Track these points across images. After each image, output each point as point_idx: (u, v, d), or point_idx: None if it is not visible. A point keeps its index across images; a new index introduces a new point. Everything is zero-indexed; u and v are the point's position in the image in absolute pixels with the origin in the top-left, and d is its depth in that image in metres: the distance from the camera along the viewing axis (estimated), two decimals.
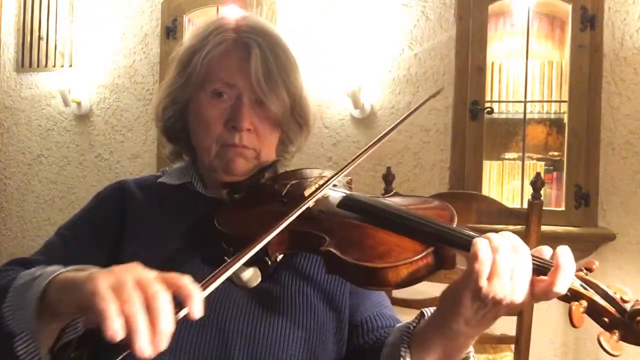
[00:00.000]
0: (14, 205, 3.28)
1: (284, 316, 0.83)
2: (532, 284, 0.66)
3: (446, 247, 0.71)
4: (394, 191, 0.92)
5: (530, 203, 1.74)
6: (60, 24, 3.16)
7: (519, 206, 2.44)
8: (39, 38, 3.20)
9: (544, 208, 1.77)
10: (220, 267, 0.65)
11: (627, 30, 2.38)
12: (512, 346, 1.81)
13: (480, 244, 0.66)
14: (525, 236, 1.71)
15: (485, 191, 2.50)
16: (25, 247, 3.24)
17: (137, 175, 1.07)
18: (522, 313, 1.71)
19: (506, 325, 1.74)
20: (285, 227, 0.77)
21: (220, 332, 0.79)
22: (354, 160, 0.87)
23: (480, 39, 2.47)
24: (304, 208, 0.78)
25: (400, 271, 0.68)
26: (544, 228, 1.77)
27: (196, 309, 0.56)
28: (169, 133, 1.02)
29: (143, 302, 0.54)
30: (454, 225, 0.74)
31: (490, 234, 0.68)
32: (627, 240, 2.36)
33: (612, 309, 0.64)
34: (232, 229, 0.84)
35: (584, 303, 0.65)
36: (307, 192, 0.85)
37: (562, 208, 2.37)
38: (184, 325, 0.78)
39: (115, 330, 0.52)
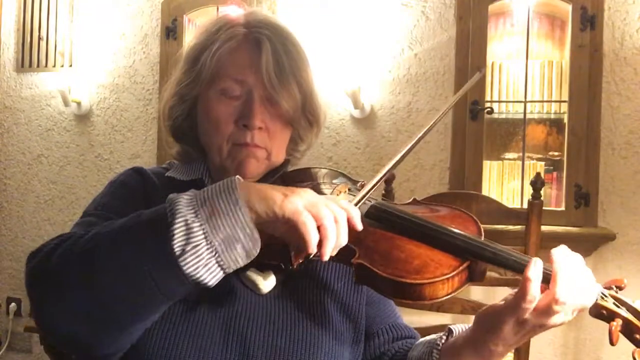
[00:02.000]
0: (14, 205, 3.28)
1: (302, 327, 0.82)
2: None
3: (480, 262, 0.70)
4: (412, 197, 0.91)
5: (530, 203, 1.74)
6: (60, 24, 3.16)
7: (519, 206, 2.44)
8: (39, 38, 3.20)
9: (544, 208, 1.78)
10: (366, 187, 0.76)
11: (627, 30, 2.38)
12: None
13: (532, 285, 0.65)
14: (525, 236, 1.71)
15: (485, 191, 2.49)
16: (25, 247, 3.24)
17: (149, 167, 1.04)
18: None
19: None
20: None
21: (242, 343, 0.78)
22: (401, 157, 0.91)
23: (480, 39, 2.47)
24: (379, 178, 0.83)
25: (437, 287, 0.68)
26: (544, 228, 1.77)
27: (359, 225, 0.70)
28: (177, 132, 0.99)
29: (333, 220, 0.65)
30: (483, 239, 0.74)
31: (556, 256, 0.67)
32: (627, 240, 2.36)
33: None
34: None
35: (620, 321, 0.67)
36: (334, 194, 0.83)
37: (562, 208, 2.37)
38: (207, 336, 0.77)
39: (314, 243, 0.64)
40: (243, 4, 2.69)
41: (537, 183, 1.78)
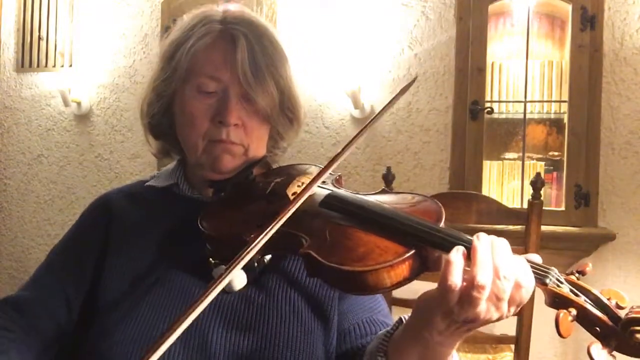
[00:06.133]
0: (14, 205, 3.28)
1: (270, 326, 0.80)
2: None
3: (429, 249, 0.66)
4: (381, 188, 0.88)
5: (530, 203, 1.74)
6: (60, 24, 3.16)
7: (519, 206, 2.44)
8: (39, 38, 3.20)
9: (544, 208, 1.78)
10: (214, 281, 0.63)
11: (627, 30, 2.38)
12: (512, 346, 1.81)
13: (453, 270, 0.60)
14: (525, 236, 1.71)
15: (485, 191, 2.49)
16: (25, 247, 3.24)
17: (140, 175, 1.05)
18: (522, 313, 1.71)
19: (506, 325, 1.74)
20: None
21: (203, 344, 0.77)
22: (335, 157, 0.80)
23: (480, 39, 2.47)
24: (290, 213, 0.72)
25: (381, 275, 0.64)
26: (544, 228, 1.77)
27: None
28: (154, 130, 0.98)
29: None
30: (440, 225, 0.68)
31: (476, 251, 0.61)
32: (627, 240, 2.36)
33: (604, 317, 0.59)
34: (215, 230, 0.81)
35: (573, 311, 0.59)
36: (289, 191, 0.81)
37: (562, 208, 2.37)
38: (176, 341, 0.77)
39: None
40: (243, 4, 2.69)
41: (537, 183, 1.78)
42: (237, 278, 0.81)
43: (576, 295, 0.61)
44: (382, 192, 0.84)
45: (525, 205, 2.06)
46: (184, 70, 0.89)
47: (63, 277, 0.89)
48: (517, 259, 0.62)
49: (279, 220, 0.70)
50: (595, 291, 0.61)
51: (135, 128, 3.03)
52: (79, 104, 3.07)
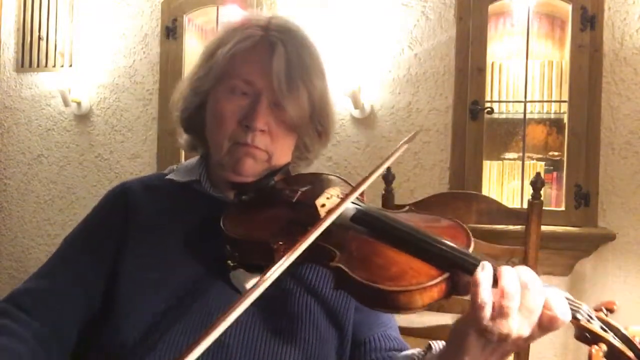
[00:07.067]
0: (14, 205, 3.28)
1: (286, 332, 0.81)
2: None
3: (461, 274, 0.67)
4: (407, 207, 0.88)
5: (530, 203, 1.74)
6: (60, 24, 3.16)
7: (519, 206, 2.44)
8: (39, 38, 3.20)
9: (544, 208, 1.77)
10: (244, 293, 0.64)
11: (627, 30, 2.38)
12: None
13: (481, 288, 0.62)
14: (525, 236, 1.71)
15: (485, 191, 2.49)
16: (25, 247, 3.24)
17: (142, 175, 1.05)
18: None
19: None
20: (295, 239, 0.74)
21: (221, 347, 0.77)
22: (370, 175, 0.83)
23: (480, 39, 2.47)
24: (323, 227, 0.72)
25: (413, 296, 0.65)
26: (544, 228, 1.77)
27: None
28: (184, 123, 0.99)
29: None
30: (471, 251, 0.70)
31: (501, 269, 0.63)
32: (627, 240, 2.36)
33: (632, 355, 0.62)
34: (238, 233, 0.81)
35: (604, 347, 0.62)
36: (318, 202, 0.81)
37: (562, 208, 2.37)
38: (185, 339, 0.77)
39: None
40: (243, 4, 2.69)
41: (537, 183, 1.78)
42: (254, 281, 0.81)
43: (605, 331, 0.64)
44: (409, 210, 0.85)
45: (525, 205, 2.05)
46: (220, 70, 0.90)
47: (78, 267, 0.88)
48: (550, 287, 0.65)
49: (313, 233, 0.70)
50: (622, 328, 0.64)
51: (135, 128, 3.03)
52: (79, 104, 3.06)
